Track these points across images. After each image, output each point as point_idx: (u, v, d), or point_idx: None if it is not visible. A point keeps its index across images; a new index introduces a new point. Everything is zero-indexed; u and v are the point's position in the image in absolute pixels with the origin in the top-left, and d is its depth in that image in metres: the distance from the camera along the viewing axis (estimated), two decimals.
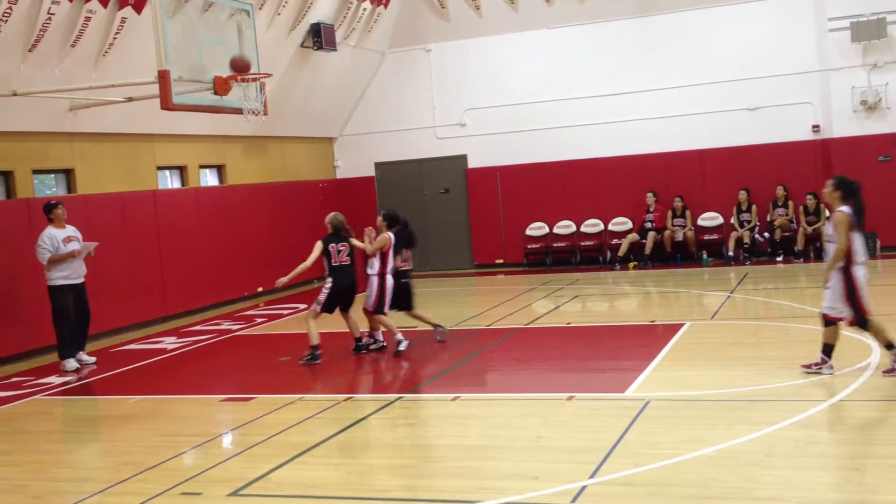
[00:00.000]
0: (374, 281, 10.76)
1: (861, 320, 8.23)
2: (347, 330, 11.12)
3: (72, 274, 11.30)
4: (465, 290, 17.19)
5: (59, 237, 11.22)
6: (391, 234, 10.93)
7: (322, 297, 10.77)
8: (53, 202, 11.46)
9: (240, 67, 11.17)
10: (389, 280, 10.83)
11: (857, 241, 8.22)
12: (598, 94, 18.54)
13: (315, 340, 10.55)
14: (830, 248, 8.34)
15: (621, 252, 17.81)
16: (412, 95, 19.93)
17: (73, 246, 11.30)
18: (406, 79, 19.98)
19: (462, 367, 10.05)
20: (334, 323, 11.43)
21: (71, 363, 11.30)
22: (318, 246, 10.76)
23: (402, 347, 10.63)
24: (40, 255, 11.15)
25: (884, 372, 8.21)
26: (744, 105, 17.72)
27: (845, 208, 8.24)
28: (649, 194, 17.98)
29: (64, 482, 6.98)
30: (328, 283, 10.81)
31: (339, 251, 10.83)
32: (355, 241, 11.03)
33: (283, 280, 10.70)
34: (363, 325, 11.20)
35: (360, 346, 11.02)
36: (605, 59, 18.55)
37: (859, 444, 6.40)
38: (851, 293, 8.18)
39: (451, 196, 19.97)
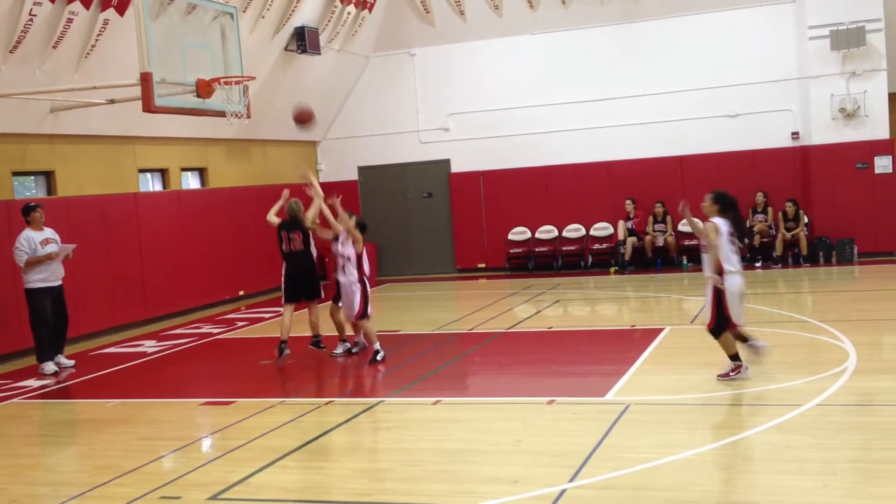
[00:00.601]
0: (356, 289, 10.46)
1: (716, 329, 8.48)
2: (333, 332, 11.11)
3: (49, 276, 11.23)
4: (447, 294, 17.20)
5: (36, 239, 11.15)
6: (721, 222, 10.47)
7: (282, 285, 11.00)
8: (32, 204, 11.40)
9: (302, 118, 11.25)
10: (368, 286, 10.72)
11: (727, 250, 8.40)
12: (581, 99, 18.62)
13: (284, 335, 10.71)
14: (706, 258, 8.56)
15: (627, 256, 17.79)
16: (396, 100, 19.94)
17: (51, 248, 11.24)
18: (390, 83, 19.99)
19: (443, 371, 10.06)
20: (308, 327, 11.37)
21: (49, 366, 11.23)
22: (276, 221, 10.99)
23: (378, 357, 10.46)
24: (17, 257, 11.08)
25: (718, 376, 8.53)
26: (724, 112, 17.85)
27: (717, 219, 8.48)
28: (628, 201, 18.07)
29: (41, 486, 6.94)
30: (283, 269, 11.00)
31: (290, 238, 10.87)
32: (311, 219, 10.82)
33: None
34: (327, 326, 11.21)
35: (318, 343, 11.08)
36: (589, 66, 18.63)
37: (836, 448, 6.46)
38: (718, 300, 8.40)
39: (434, 200, 20.00)
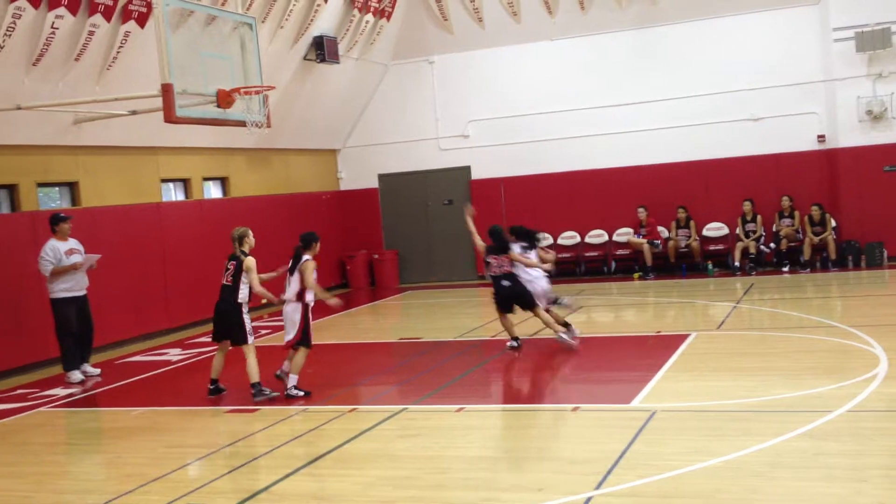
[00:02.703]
0: (297, 312, 9.58)
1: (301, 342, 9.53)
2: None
3: (74, 286, 11.31)
4: (469, 302, 17.15)
5: (61, 249, 11.23)
6: (516, 247, 11.29)
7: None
8: (62, 216, 11.48)
9: None
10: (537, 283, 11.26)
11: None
12: (602, 104, 18.54)
13: (255, 378, 9.50)
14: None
15: (648, 262, 17.68)
16: (415, 107, 19.95)
17: (76, 258, 11.31)
18: (409, 91, 20.01)
19: (466, 378, 10.01)
20: (332, 335, 11.37)
21: (76, 375, 11.30)
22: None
23: (291, 393, 9.49)
24: (43, 267, 11.16)
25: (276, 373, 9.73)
26: (748, 115, 17.71)
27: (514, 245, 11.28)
28: (640, 209, 17.96)
29: (68, 494, 6.96)
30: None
31: (226, 269, 9.67)
32: (252, 273, 9.57)
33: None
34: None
35: (218, 390, 9.87)
36: (609, 70, 18.56)
37: (866, 455, 6.35)
38: (306, 320, 9.52)
39: (454, 207, 19.95)
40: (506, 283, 11.18)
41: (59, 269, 11.16)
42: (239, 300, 9.62)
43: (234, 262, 9.65)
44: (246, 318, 9.68)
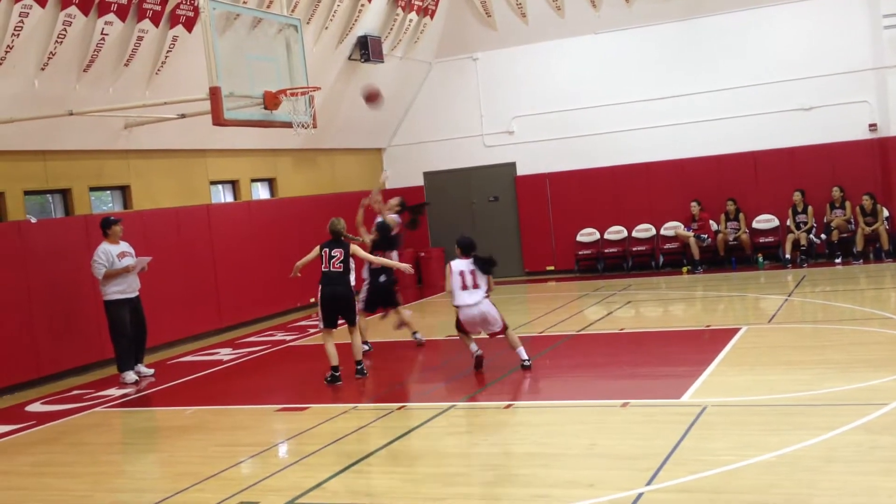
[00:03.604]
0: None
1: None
2: (391, 338, 11.12)
3: (126, 288, 11.51)
4: (517, 298, 17.13)
5: (113, 252, 11.44)
6: (464, 263, 10.55)
7: (320, 311, 10.42)
8: (113, 219, 11.69)
9: (371, 96, 11.46)
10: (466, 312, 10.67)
11: (457, 286, 9.98)
12: (648, 98, 18.38)
13: (333, 361, 10.21)
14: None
15: (696, 255, 17.48)
16: (460, 104, 19.97)
17: (128, 261, 11.51)
18: (453, 88, 20.03)
19: (514, 374, 10.01)
20: (379, 333, 11.40)
21: (130, 375, 11.51)
22: (315, 249, 10.58)
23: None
24: (95, 270, 11.37)
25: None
26: (797, 105, 17.42)
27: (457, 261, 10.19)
28: (693, 203, 17.76)
29: (124, 493, 7.10)
30: (318, 292, 10.46)
31: (331, 257, 10.37)
32: (357, 250, 10.53)
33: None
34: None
35: (361, 371, 10.43)
36: (654, 63, 18.39)
37: None
38: None
39: (500, 204, 19.95)
40: (384, 277, 11.51)
41: (112, 271, 11.36)
42: (352, 283, 10.52)
43: (341, 249, 10.36)
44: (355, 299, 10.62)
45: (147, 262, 11.73)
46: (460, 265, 10.06)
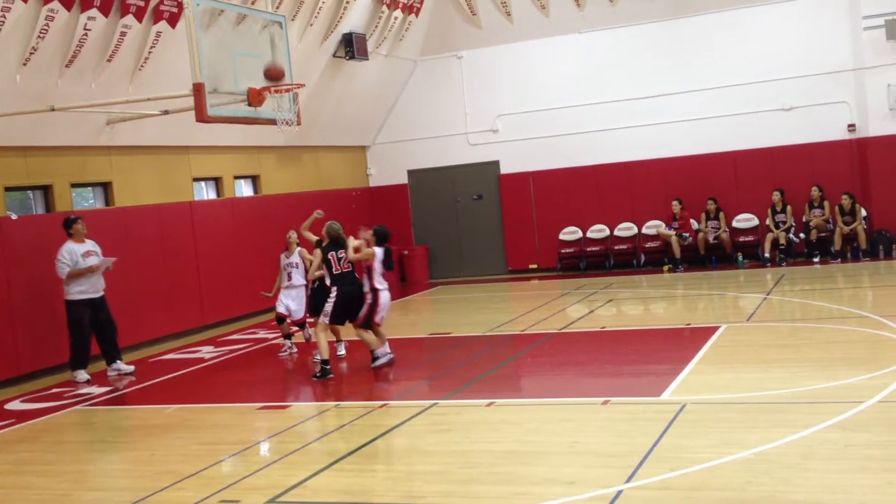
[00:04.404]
0: (367, 298, 10.56)
1: (364, 325, 10.57)
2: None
3: (89, 289, 11.43)
4: (499, 296, 17.18)
5: (78, 251, 11.37)
6: (379, 250, 10.67)
7: (328, 307, 10.55)
8: (73, 217, 11.63)
9: (274, 75, 11.13)
10: (383, 296, 10.61)
11: (380, 272, 10.56)
12: (631, 97, 18.47)
13: (324, 354, 10.34)
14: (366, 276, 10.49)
15: (677, 254, 17.58)
16: (444, 103, 19.99)
17: (92, 260, 11.44)
18: (438, 86, 20.05)
19: (496, 372, 10.06)
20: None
21: (82, 374, 11.45)
22: (318, 253, 10.80)
23: (377, 364, 10.59)
24: (59, 270, 11.29)
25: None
26: (778, 105, 17.56)
27: (377, 248, 10.60)
28: (675, 202, 17.87)
29: (104, 491, 7.09)
30: (333, 292, 10.57)
31: (339, 259, 10.63)
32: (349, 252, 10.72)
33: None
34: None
35: (327, 372, 10.40)
36: (637, 63, 18.48)
37: None
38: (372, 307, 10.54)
39: (484, 202, 19.99)
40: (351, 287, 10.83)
41: (76, 271, 11.28)
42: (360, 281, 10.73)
43: (344, 250, 10.64)
44: None
45: (112, 263, 11.65)
46: (379, 252, 10.53)
